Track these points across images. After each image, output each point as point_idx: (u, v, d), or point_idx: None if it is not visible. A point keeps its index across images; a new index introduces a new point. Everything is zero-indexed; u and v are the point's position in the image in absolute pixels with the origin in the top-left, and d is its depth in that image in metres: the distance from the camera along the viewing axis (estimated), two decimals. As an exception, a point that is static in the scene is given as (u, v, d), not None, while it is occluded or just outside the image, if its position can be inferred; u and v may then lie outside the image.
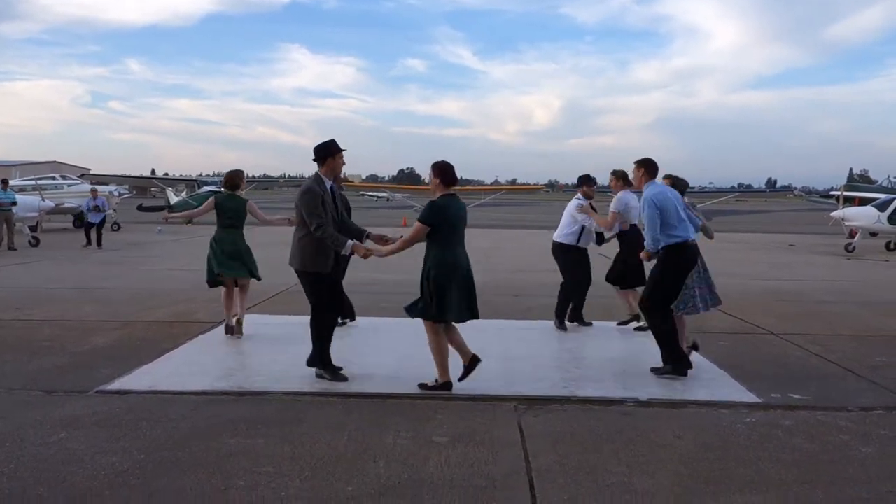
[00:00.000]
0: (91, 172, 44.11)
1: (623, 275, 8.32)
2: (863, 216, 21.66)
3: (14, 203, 18.48)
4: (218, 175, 51.03)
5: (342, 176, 6.90)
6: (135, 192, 49.58)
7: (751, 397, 5.67)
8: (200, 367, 6.38)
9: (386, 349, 7.17)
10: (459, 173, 5.81)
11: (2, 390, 5.56)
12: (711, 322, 8.13)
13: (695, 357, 6.49)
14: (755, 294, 11.36)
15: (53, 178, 29.31)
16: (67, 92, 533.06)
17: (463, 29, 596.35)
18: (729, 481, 4.03)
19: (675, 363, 6.15)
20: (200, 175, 64.03)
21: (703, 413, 5.29)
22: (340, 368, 5.96)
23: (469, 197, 35.81)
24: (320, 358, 5.95)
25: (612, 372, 6.52)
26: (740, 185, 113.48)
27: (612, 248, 8.66)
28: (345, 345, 7.06)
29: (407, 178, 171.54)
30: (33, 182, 26.72)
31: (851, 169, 47.54)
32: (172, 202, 32.82)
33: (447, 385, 5.62)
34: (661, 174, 6.70)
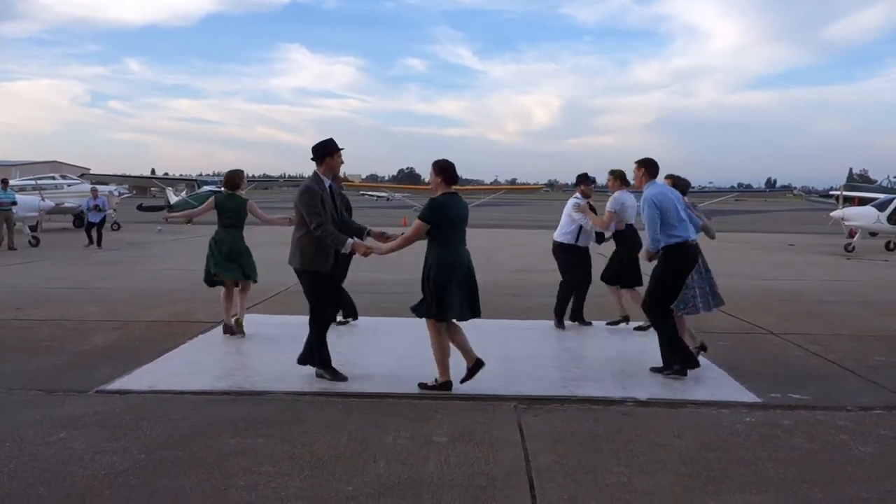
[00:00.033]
0: (91, 172, 44.09)
1: (619, 274, 8.35)
2: (862, 216, 21.65)
3: (14, 203, 18.46)
4: (218, 175, 51.06)
5: (342, 175, 6.89)
6: (135, 191, 49.55)
7: (750, 397, 5.67)
8: (200, 367, 6.38)
9: (386, 349, 7.17)
10: (459, 173, 5.80)
11: (1, 390, 5.56)
12: (711, 322, 8.13)
13: (696, 357, 6.49)
14: (755, 294, 11.36)
15: (53, 178, 29.31)
16: (67, 91, 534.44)
17: (463, 28, 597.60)
18: (728, 481, 4.03)
19: (683, 362, 6.14)
20: (200, 175, 64.03)
21: (703, 413, 5.29)
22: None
23: (469, 196, 35.62)
24: (320, 357, 5.95)
25: (612, 372, 6.52)
26: (740, 184, 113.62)
27: (611, 247, 8.67)
28: (345, 344, 7.07)
29: (407, 177, 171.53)
30: (33, 182, 26.71)
31: (851, 169, 47.60)
32: (172, 202, 32.84)
33: (447, 385, 5.62)
34: (661, 174, 6.70)
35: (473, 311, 5.63)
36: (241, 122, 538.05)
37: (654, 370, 6.27)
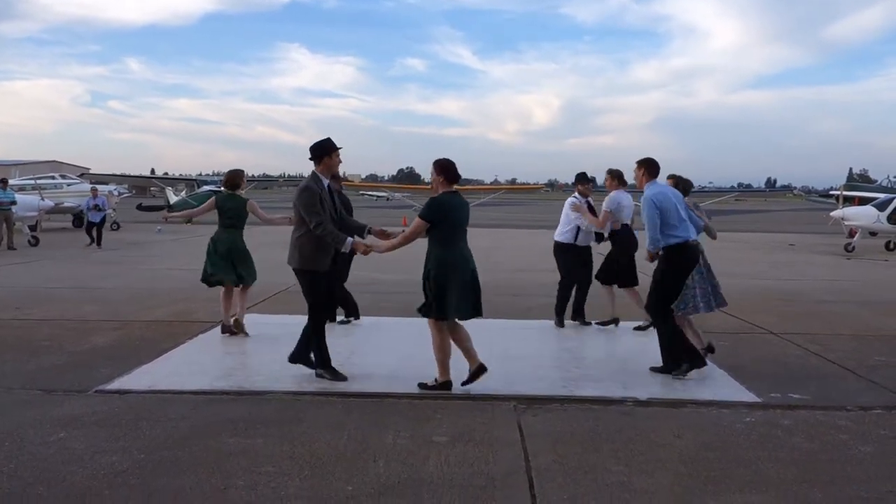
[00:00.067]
0: (91, 172, 44.18)
1: (614, 274, 8.36)
2: (862, 216, 21.67)
3: (13, 202, 18.46)
4: (218, 174, 51.12)
5: (342, 175, 6.89)
6: (134, 191, 49.64)
7: (750, 397, 5.67)
8: (200, 367, 6.38)
9: (386, 349, 7.17)
10: (459, 173, 5.80)
11: (1, 390, 5.56)
12: (712, 322, 8.12)
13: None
14: (755, 294, 11.35)
15: (53, 178, 29.35)
16: (67, 91, 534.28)
17: (462, 28, 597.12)
18: (728, 481, 4.03)
19: (690, 361, 6.12)
20: (200, 174, 64.07)
21: (703, 412, 5.29)
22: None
23: (469, 196, 35.45)
24: (320, 357, 5.95)
25: (612, 371, 6.52)
26: (740, 184, 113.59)
27: (610, 246, 8.67)
28: (345, 344, 7.07)
29: (406, 177, 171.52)
30: (33, 181, 26.72)
31: (851, 169, 47.68)
32: (172, 202, 32.85)
33: (447, 384, 5.62)
34: (662, 174, 6.69)
35: (476, 311, 5.62)
36: (241, 122, 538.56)
37: (654, 370, 6.27)
